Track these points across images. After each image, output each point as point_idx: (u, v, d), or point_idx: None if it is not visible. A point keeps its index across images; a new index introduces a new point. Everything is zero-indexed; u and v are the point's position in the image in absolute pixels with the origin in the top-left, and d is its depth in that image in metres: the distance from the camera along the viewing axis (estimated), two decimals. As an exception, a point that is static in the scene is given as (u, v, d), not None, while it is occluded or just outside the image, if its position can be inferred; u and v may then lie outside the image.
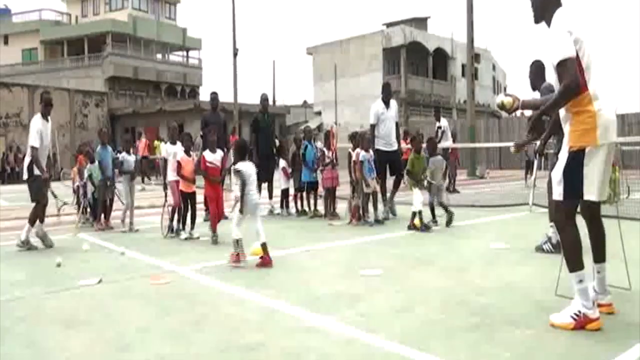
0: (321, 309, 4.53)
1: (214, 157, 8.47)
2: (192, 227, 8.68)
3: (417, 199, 8.83)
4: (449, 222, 9.08)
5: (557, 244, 6.46)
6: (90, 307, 4.90)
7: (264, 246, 6.39)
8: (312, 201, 11.07)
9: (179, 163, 8.67)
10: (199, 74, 54.66)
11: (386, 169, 10.29)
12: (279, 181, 11.48)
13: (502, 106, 4.46)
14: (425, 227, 8.70)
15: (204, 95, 51.07)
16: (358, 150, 9.62)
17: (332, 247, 7.61)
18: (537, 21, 4.14)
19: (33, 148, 7.81)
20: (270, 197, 11.55)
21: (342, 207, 10.56)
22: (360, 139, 9.73)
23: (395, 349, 3.61)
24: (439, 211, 9.10)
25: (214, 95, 11.39)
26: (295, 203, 11.38)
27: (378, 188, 9.76)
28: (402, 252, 7.06)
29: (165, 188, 9.18)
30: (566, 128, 3.94)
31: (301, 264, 6.59)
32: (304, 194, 11.18)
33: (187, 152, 8.85)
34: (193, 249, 7.68)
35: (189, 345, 3.83)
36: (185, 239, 8.46)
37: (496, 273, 5.71)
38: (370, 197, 9.60)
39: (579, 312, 3.84)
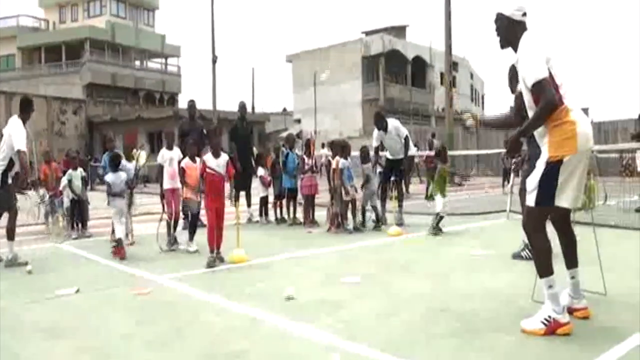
0: (303, 316, 4.53)
1: (216, 163, 7.24)
2: (191, 239, 8.03)
3: (439, 205, 9.09)
4: (377, 226, 9.80)
5: None
6: (72, 316, 4.85)
7: (119, 241, 7.57)
8: (291, 209, 11.08)
9: (183, 169, 7.81)
10: (177, 81, 54.39)
11: (391, 174, 10.57)
12: (258, 189, 11.47)
13: (465, 126, 4.96)
14: (438, 230, 9.02)
15: (183, 103, 50.83)
16: (337, 158, 9.68)
17: (313, 254, 7.61)
18: (503, 47, 4.24)
19: (22, 152, 7.07)
20: (249, 205, 11.52)
21: (321, 214, 10.57)
22: (340, 148, 9.80)
23: (377, 355, 3.63)
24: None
25: (191, 103, 11.36)
26: (275, 211, 11.37)
27: (357, 196, 9.82)
28: (383, 258, 7.09)
29: (162, 197, 8.60)
30: (544, 140, 3.99)
31: (282, 271, 6.58)
32: (284, 201, 11.19)
33: (192, 158, 7.98)
34: (173, 258, 7.63)
35: (171, 354, 3.82)
36: (193, 252, 7.84)
37: (477, 279, 5.76)
38: (349, 204, 9.66)
39: (549, 317, 3.90)
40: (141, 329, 4.42)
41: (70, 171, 10.05)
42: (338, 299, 5.06)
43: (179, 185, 8.18)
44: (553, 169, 3.89)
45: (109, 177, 8.23)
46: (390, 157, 10.57)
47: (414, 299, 5.04)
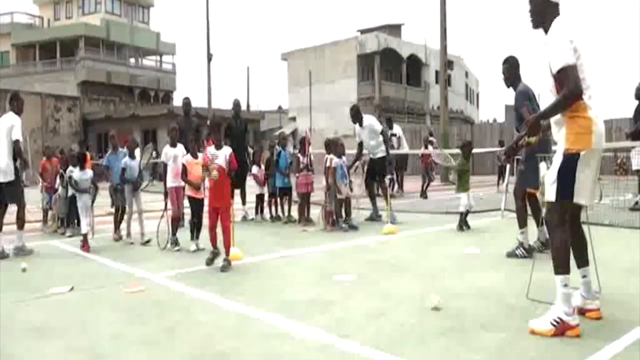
0: (295, 315, 4.53)
1: (217, 154, 6.79)
2: (197, 237, 7.89)
3: (463, 201, 9.23)
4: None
5: (530, 248, 6.61)
6: (63, 315, 4.84)
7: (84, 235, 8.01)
8: (286, 207, 11.09)
9: (184, 166, 7.66)
10: (172, 79, 54.32)
11: (374, 174, 10.63)
12: (254, 187, 11.48)
13: (529, 143, 4.72)
14: (466, 226, 9.25)
15: (178, 101, 50.74)
16: (331, 156, 9.69)
17: (306, 253, 7.61)
18: (535, 27, 4.20)
19: (18, 142, 7.76)
20: (244, 203, 11.52)
21: (316, 213, 10.57)
22: (333, 145, 9.81)
23: (370, 354, 3.63)
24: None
25: (187, 100, 11.35)
26: (270, 209, 11.38)
27: (350, 194, 9.83)
28: (376, 257, 7.09)
29: (165, 195, 8.49)
30: (561, 132, 3.99)
31: (275, 269, 6.58)
32: (278, 199, 11.20)
33: (194, 154, 7.85)
34: (166, 256, 7.61)
35: (163, 353, 3.81)
36: (194, 251, 7.73)
37: (469, 278, 5.77)
38: (343, 203, 9.69)
39: (559, 318, 3.87)
40: (133, 327, 4.41)
41: (70, 168, 9.90)
42: (331, 298, 5.06)
43: (183, 183, 7.99)
44: (570, 161, 3.89)
45: (76, 174, 8.53)
46: (370, 155, 10.70)
47: (407, 297, 5.04)
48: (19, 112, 7.97)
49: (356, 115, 10.63)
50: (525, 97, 6.55)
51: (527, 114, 5.64)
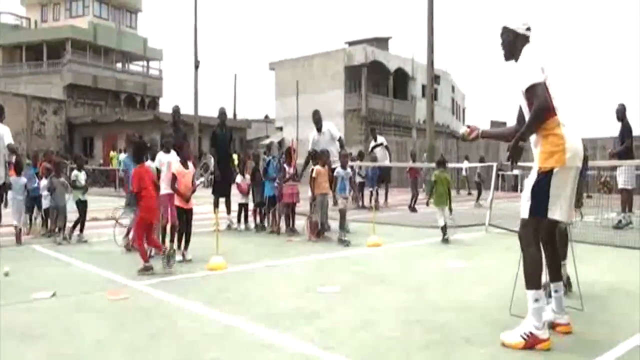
0: (279, 325, 4.52)
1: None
2: (186, 248, 7.73)
3: (438, 215, 9.62)
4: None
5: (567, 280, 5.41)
6: (45, 321, 4.79)
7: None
8: (271, 217, 11.06)
9: (174, 176, 7.62)
10: (159, 85, 54.14)
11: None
12: (238, 195, 11.45)
13: (462, 137, 4.86)
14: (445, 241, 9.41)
15: (164, 107, 50.79)
16: (318, 167, 9.75)
17: (291, 263, 7.60)
18: (507, 59, 4.38)
19: (12, 144, 8.98)
20: (228, 212, 11.48)
21: (301, 223, 10.55)
22: (340, 157, 9.97)
23: (353, 366, 3.63)
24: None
25: (176, 108, 11.30)
26: (255, 218, 11.35)
27: (347, 207, 9.81)
28: (360, 269, 7.10)
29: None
30: (536, 150, 4.12)
31: (260, 279, 6.56)
32: (264, 209, 11.17)
33: (184, 163, 7.82)
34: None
35: (145, 361, 3.78)
36: (180, 261, 7.46)
37: (454, 292, 5.79)
38: (339, 215, 9.61)
39: (530, 332, 3.93)
40: (115, 335, 4.37)
41: (75, 172, 9.82)
42: (315, 309, 5.06)
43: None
44: (544, 179, 3.99)
45: (13, 179, 9.36)
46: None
47: (391, 310, 5.05)
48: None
49: (319, 121, 10.87)
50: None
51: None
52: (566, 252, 5.27)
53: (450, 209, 9.56)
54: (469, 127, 4.84)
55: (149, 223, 7.02)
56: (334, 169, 10.34)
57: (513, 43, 4.28)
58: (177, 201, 7.71)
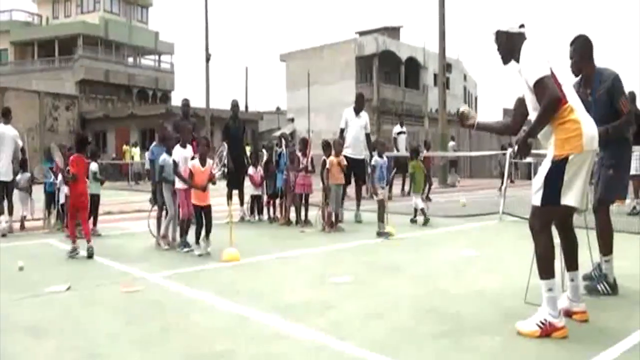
0: (291, 316, 4.52)
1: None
2: (207, 244, 7.56)
3: (414, 200, 10.51)
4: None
5: (614, 284, 5.14)
6: (59, 314, 4.83)
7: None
8: (283, 208, 11.06)
9: (190, 172, 7.58)
10: (170, 79, 54.25)
11: (351, 175, 10.74)
12: (250, 187, 11.47)
13: (460, 114, 4.80)
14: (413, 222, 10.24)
15: (176, 100, 50.74)
16: (330, 158, 9.73)
17: (304, 254, 7.61)
18: (506, 62, 4.29)
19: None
20: (242, 203, 11.50)
21: (313, 214, 10.54)
22: (376, 144, 10.00)
23: (365, 355, 3.63)
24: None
25: (186, 102, 11.33)
26: (268, 210, 11.36)
27: (388, 197, 9.73)
28: (372, 259, 7.09)
29: (154, 194, 8.55)
30: (550, 140, 4.02)
31: (272, 270, 6.57)
32: (277, 200, 11.18)
33: (202, 159, 7.71)
34: (163, 256, 7.61)
35: (158, 353, 3.80)
36: (200, 255, 7.42)
37: (466, 280, 5.77)
38: (379, 206, 9.18)
39: (545, 320, 3.90)
40: (128, 327, 4.40)
41: (93, 164, 9.86)
42: (327, 299, 5.06)
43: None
44: (558, 166, 3.91)
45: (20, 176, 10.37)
46: (351, 155, 10.73)
47: (403, 299, 5.04)
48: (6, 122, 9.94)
49: (363, 104, 11.09)
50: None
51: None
52: (607, 245, 5.09)
53: (429, 197, 9.65)
54: (470, 109, 4.77)
55: (77, 207, 7.75)
56: (356, 159, 10.60)
57: (508, 45, 4.20)
58: (194, 199, 7.58)
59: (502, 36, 4.23)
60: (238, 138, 11.57)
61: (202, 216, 7.58)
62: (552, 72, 3.94)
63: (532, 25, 4.22)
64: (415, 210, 10.51)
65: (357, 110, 11.08)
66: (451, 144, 22.41)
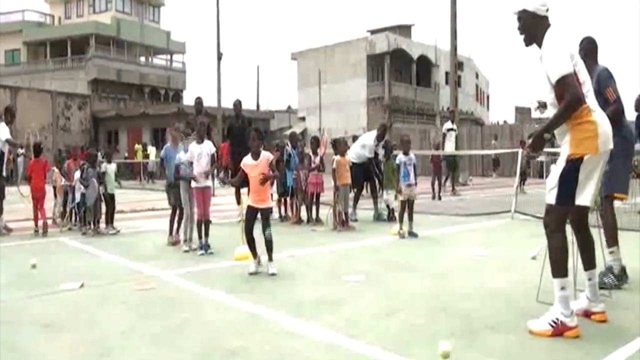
0: (304, 314, 4.54)
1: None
2: (271, 259, 6.41)
3: (386, 197, 10.88)
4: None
5: (622, 273, 5.33)
6: (72, 311, 4.87)
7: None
8: (294, 207, 11.06)
9: (242, 170, 6.60)
10: (182, 78, 54.37)
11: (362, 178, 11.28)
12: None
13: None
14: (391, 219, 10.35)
15: (188, 99, 50.93)
16: (337, 157, 9.75)
17: (316, 252, 7.63)
18: (528, 44, 4.19)
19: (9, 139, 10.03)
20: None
21: (324, 213, 10.55)
22: (401, 142, 9.45)
23: (378, 354, 3.63)
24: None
25: (199, 100, 11.40)
26: (279, 208, 11.38)
27: (413, 195, 9.01)
28: (385, 258, 7.09)
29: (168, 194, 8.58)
30: (565, 139, 3.99)
31: (285, 269, 6.56)
32: (288, 199, 11.19)
33: (256, 153, 6.43)
34: (175, 254, 7.64)
35: (171, 350, 3.82)
36: (201, 254, 7.42)
37: (478, 279, 5.76)
38: (405, 205, 8.85)
39: (557, 319, 3.89)
40: (141, 324, 4.43)
41: (105, 164, 10.06)
42: (339, 297, 5.07)
43: (208, 183, 7.72)
44: (573, 166, 3.89)
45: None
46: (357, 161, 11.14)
47: (415, 298, 5.04)
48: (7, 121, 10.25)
49: (383, 133, 11.37)
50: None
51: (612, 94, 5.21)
52: (611, 238, 5.25)
53: (396, 196, 9.38)
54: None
55: (36, 200, 9.55)
56: (356, 163, 10.81)
57: (533, 26, 4.09)
58: (254, 201, 6.39)
59: (528, 16, 4.09)
60: (242, 137, 11.57)
61: (259, 216, 6.38)
62: (574, 70, 3.90)
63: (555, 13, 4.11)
64: (388, 207, 10.89)
65: (379, 139, 11.30)
66: (493, 142, 22.34)
